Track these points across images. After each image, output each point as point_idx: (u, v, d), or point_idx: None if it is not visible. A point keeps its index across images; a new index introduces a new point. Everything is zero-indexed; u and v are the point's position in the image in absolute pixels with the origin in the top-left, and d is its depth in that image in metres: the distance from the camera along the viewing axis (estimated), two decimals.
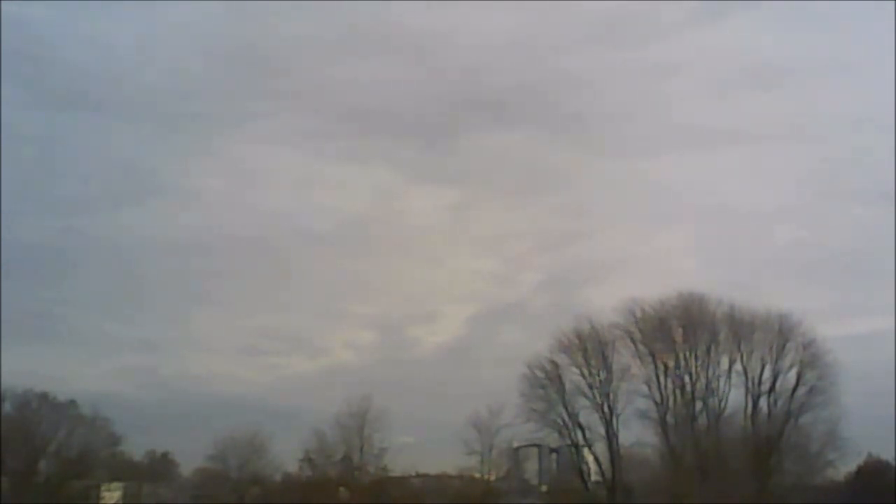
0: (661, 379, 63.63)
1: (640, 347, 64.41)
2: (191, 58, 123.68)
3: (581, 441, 65.83)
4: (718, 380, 63.35)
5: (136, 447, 77.99)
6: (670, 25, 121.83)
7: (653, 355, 63.98)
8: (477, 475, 70.92)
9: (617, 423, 64.22)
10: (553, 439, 69.24)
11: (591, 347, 64.84)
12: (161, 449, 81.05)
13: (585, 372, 64.65)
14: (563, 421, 65.05)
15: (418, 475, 74.36)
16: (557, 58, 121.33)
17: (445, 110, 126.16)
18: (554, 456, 77.34)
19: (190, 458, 77.54)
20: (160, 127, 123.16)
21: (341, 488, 69.23)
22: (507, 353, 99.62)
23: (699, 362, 63.49)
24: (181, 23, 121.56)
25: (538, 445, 75.54)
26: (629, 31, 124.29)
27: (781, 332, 62.93)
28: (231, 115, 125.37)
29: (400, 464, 71.03)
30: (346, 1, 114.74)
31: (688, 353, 63.76)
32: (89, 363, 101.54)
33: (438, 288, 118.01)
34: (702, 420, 63.63)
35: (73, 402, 70.18)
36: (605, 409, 64.10)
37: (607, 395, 64.13)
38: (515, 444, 72.68)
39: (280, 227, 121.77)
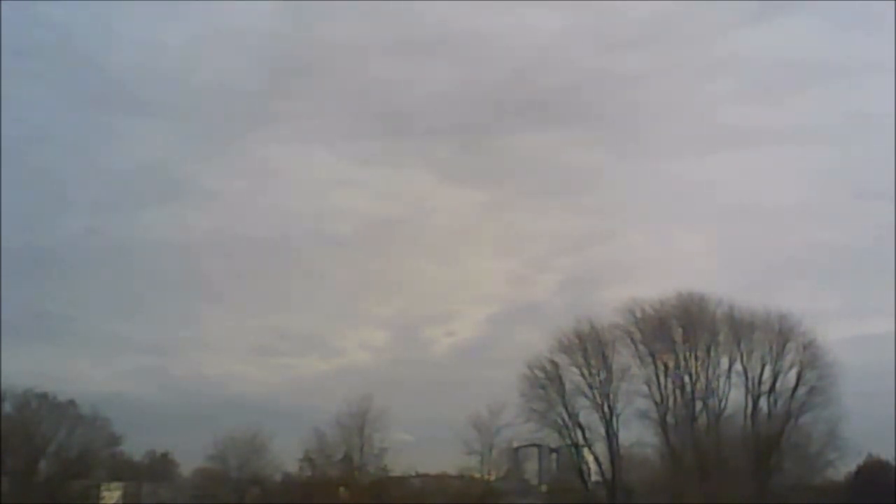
0: (661, 379, 63.76)
1: (640, 347, 64.53)
2: (230, 58, 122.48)
3: (581, 441, 65.91)
4: (718, 380, 63.54)
5: (148, 448, 79.26)
6: (712, 26, 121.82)
7: (653, 355, 64.06)
8: (477, 475, 70.88)
9: (617, 423, 64.41)
10: (553, 439, 69.32)
11: (591, 347, 64.90)
12: (171, 450, 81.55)
13: (585, 372, 64.77)
14: (563, 421, 65.20)
15: (418, 475, 74.31)
16: (598, 59, 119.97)
17: (479, 111, 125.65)
18: (554, 456, 77.27)
19: (190, 458, 77.76)
20: (192, 127, 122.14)
21: (341, 488, 69.13)
22: (525, 354, 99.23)
23: (699, 362, 63.59)
24: (224, 23, 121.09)
25: (538, 445, 75.51)
26: (672, 33, 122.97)
27: (781, 332, 63.06)
28: (264, 116, 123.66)
29: (400, 464, 71.20)
30: (385, 1, 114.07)
31: (688, 354, 63.85)
32: (102, 364, 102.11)
33: (459, 289, 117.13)
34: (702, 420, 63.73)
35: (72, 402, 70.10)
36: (605, 409, 64.21)
37: (607, 395, 64.22)
38: (515, 444, 72.66)
39: (304, 228, 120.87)
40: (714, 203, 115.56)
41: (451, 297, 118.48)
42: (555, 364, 65.16)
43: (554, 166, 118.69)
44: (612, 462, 64.68)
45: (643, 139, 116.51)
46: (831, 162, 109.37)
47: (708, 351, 63.63)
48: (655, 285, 65.98)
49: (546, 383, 65.04)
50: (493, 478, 71.38)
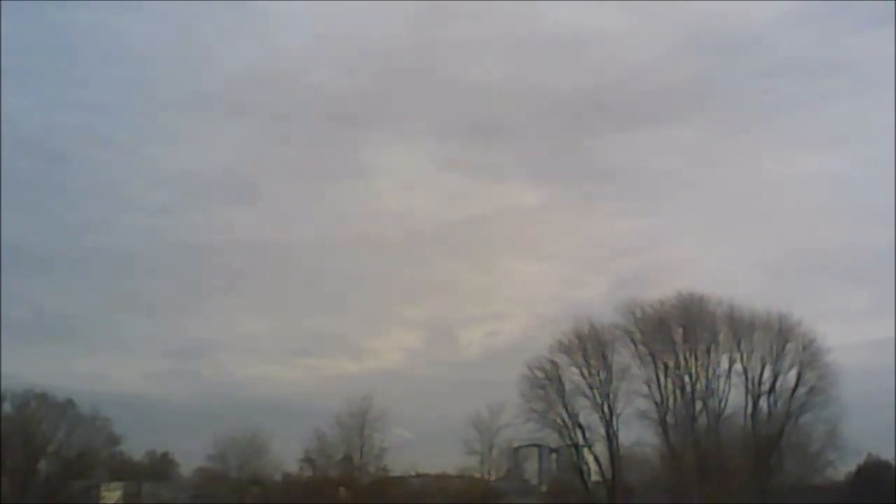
0: (661, 379, 63.71)
1: (640, 347, 64.47)
2: (337, 60, 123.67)
3: (581, 441, 65.86)
4: (718, 380, 63.52)
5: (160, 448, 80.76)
6: (829, 30, 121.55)
7: (653, 355, 64.01)
8: (477, 475, 70.97)
9: (617, 423, 64.37)
10: (553, 439, 69.26)
11: (591, 347, 64.88)
12: (171, 450, 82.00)
13: (585, 372, 64.73)
14: (563, 421, 65.13)
15: (418, 475, 74.37)
16: (709, 60, 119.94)
17: (577, 114, 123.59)
18: (554, 456, 77.30)
19: (190, 458, 77.86)
20: (282, 129, 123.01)
21: (341, 488, 69.19)
22: None
23: (699, 362, 63.58)
24: (336, 25, 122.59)
25: (538, 445, 75.55)
26: (788, 35, 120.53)
27: (781, 333, 63.03)
28: (363, 118, 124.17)
29: (400, 464, 71.25)
30: (497, 1, 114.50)
31: (688, 354, 63.83)
32: (135, 365, 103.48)
33: (506, 290, 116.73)
34: (702, 420, 63.69)
35: (72, 402, 70.21)
36: (605, 409, 64.15)
37: (607, 395, 64.17)
38: (515, 444, 72.84)
39: (361, 229, 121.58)
40: (785, 204, 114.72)
41: (497, 299, 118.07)
42: (555, 364, 65.18)
43: (636, 169, 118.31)
44: (612, 462, 64.64)
45: (739, 141, 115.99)
46: None
47: (708, 351, 63.61)
48: (706, 287, 66.36)
49: (546, 383, 65.05)
50: (493, 478, 71.50)
